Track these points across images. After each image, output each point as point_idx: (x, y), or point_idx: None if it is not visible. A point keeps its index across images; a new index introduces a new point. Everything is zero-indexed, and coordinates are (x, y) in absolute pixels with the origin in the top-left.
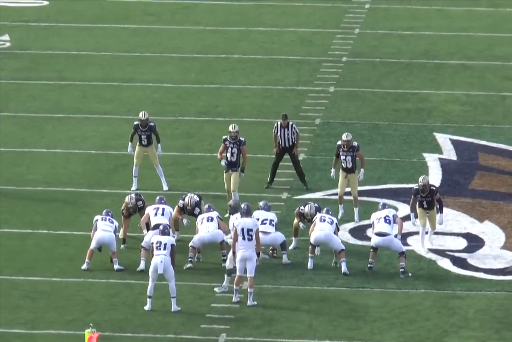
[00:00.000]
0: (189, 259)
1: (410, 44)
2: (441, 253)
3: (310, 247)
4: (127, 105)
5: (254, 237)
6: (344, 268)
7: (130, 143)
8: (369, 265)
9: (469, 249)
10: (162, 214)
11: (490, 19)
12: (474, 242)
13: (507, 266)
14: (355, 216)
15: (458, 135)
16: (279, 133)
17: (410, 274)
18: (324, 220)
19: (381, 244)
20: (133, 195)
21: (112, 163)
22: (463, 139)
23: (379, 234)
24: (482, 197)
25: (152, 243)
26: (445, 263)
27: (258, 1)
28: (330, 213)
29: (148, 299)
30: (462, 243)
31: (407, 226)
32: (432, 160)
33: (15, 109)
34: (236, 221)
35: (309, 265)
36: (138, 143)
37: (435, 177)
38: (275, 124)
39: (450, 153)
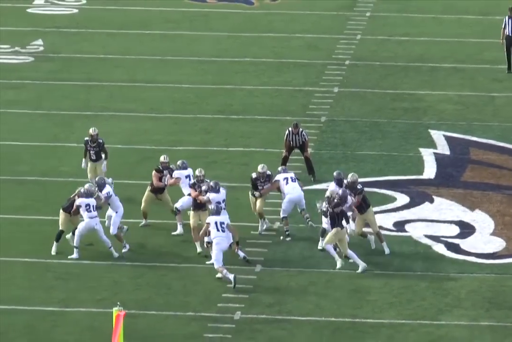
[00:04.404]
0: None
1: (406, 49)
2: (436, 238)
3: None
4: (150, 104)
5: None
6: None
7: (83, 159)
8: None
9: (462, 235)
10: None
11: (480, 26)
12: (466, 229)
13: (496, 251)
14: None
15: (451, 132)
16: (290, 138)
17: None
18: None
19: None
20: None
21: (136, 157)
22: (456, 135)
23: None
24: (473, 188)
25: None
26: (439, 248)
27: (268, 9)
28: (286, 169)
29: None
30: (455, 230)
31: (405, 214)
32: (427, 155)
33: (48, 108)
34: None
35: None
36: (89, 159)
37: (430, 170)
38: (287, 132)
39: (444, 148)
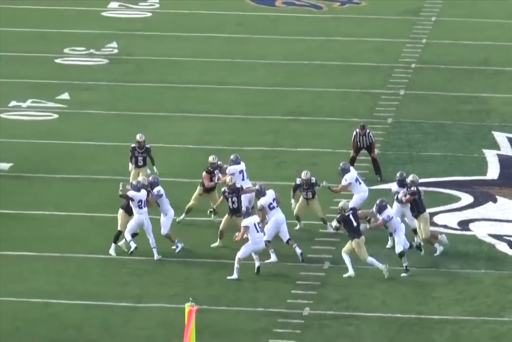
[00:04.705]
0: None
1: (471, 53)
2: (499, 237)
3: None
4: (221, 106)
5: None
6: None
7: (130, 163)
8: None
9: None
10: None
11: None
12: None
13: None
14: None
15: None
16: (357, 139)
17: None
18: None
19: None
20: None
21: (207, 157)
22: None
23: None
24: None
25: None
26: (503, 247)
27: (336, 14)
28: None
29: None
30: None
31: (470, 213)
32: (491, 156)
33: (123, 108)
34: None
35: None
36: (134, 165)
37: (493, 170)
38: (354, 133)
39: (507, 150)
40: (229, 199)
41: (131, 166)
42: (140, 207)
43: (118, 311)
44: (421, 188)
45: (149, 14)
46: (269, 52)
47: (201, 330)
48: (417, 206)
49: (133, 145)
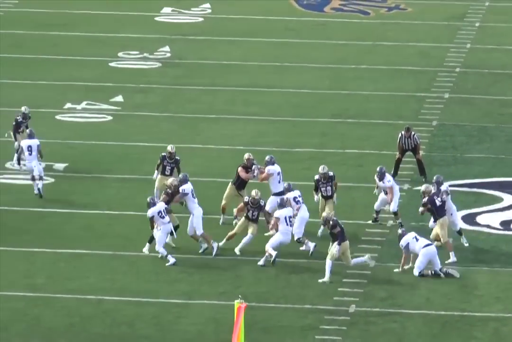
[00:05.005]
0: None
1: None
2: None
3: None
4: (270, 108)
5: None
6: None
7: (156, 170)
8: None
9: None
10: None
11: None
12: None
13: None
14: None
15: None
16: (403, 141)
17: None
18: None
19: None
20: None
21: (257, 158)
22: None
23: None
24: None
25: None
26: None
27: (383, 19)
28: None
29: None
30: None
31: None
32: None
33: (175, 111)
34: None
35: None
36: (160, 173)
37: None
38: (399, 135)
39: None
40: (250, 211)
41: (156, 173)
42: (162, 217)
43: (169, 307)
44: (454, 188)
45: (201, 19)
46: (317, 56)
47: (249, 326)
48: (433, 214)
49: (163, 154)
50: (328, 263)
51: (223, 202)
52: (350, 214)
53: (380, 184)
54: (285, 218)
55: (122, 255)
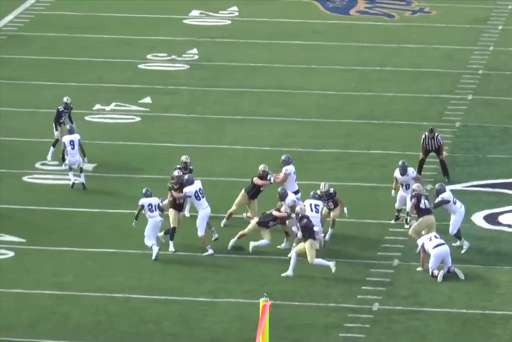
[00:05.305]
0: None
1: None
2: None
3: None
4: (296, 110)
5: None
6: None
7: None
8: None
9: None
10: None
11: None
12: None
13: None
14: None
15: None
16: (426, 142)
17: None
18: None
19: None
20: None
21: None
22: None
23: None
24: None
25: None
26: None
27: (408, 22)
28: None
29: None
30: None
31: None
32: None
33: (202, 112)
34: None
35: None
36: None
37: None
38: (423, 136)
39: None
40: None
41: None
42: (151, 211)
43: (195, 305)
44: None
45: (229, 22)
46: (343, 59)
47: (274, 324)
48: (418, 212)
49: (178, 166)
50: (293, 256)
51: (233, 208)
52: (374, 214)
53: (404, 178)
54: (310, 205)
55: (149, 254)
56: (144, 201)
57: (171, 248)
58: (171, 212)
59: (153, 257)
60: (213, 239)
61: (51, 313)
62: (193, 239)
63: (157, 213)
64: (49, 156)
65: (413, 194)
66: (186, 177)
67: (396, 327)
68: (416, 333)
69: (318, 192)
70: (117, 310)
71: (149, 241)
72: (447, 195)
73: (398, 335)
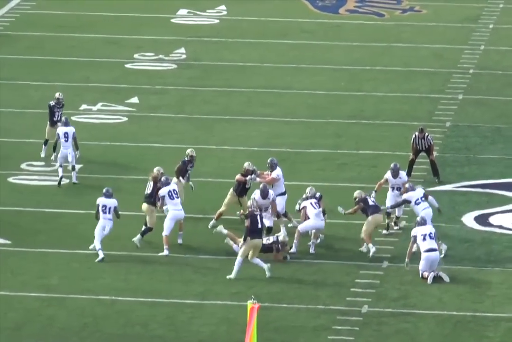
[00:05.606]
0: None
1: None
2: None
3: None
4: (285, 109)
5: None
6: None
7: (181, 179)
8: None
9: None
10: None
11: None
12: None
13: None
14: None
15: None
16: (416, 142)
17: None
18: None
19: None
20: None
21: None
22: None
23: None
24: None
25: None
26: None
27: (398, 21)
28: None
29: None
30: None
31: None
32: None
33: (190, 112)
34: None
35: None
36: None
37: None
38: (413, 136)
39: None
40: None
41: (182, 181)
42: (104, 212)
43: (182, 308)
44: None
45: (217, 21)
46: (332, 58)
47: (262, 326)
48: (365, 212)
49: (186, 159)
50: (239, 260)
51: (222, 208)
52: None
53: (396, 180)
54: (311, 204)
55: (136, 256)
56: (100, 201)
57: (137, 242)
58: (150, 212)
59: (99, 259)
60: (178, 242)
61: (37, 315)
62: (183, 241)
63: (109, 215)
64: (42, 154)
65: (356, 200)
66: (162, 178)
67: (386, 329)
68: (406, 336)
69: (304, 196)
70: (103, 312)
71: (98, 243)
72: (410, 195)
73: (388, 338)
